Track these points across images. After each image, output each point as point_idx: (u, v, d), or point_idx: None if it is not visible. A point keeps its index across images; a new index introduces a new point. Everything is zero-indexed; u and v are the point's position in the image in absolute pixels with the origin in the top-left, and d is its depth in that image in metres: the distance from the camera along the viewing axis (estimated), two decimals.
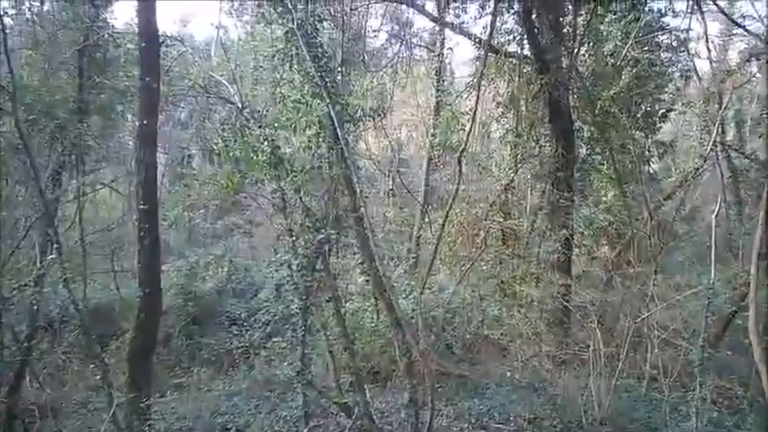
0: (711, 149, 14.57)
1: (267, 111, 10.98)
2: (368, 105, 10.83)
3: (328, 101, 8.86)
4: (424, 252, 15.82)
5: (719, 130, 15.87)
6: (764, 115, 16.84)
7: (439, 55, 15.98)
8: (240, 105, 10.09)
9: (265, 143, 9.32)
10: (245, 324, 13.43)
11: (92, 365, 9.19)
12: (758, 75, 18.84)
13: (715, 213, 8.26)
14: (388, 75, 19.70)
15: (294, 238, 9.15)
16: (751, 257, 9.68)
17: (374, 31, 20.33)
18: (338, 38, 11.93)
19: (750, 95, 20.84)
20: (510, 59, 13.10)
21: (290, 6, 9.32)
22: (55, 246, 8.15)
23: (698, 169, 14.99)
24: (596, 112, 12.90)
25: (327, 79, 9.19)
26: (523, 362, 11.67)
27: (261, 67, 12.88)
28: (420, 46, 18.19)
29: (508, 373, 10.95)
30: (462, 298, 13.16)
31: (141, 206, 8.68)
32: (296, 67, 9.47)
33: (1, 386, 11.18)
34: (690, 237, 16.86)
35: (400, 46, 18.79)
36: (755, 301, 6.60)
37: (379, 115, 10.75)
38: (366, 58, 15.99)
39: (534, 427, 9.11)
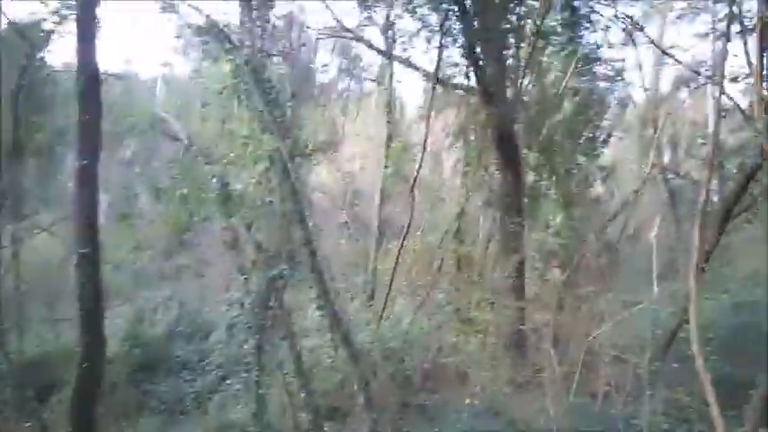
0: (649, 172, 15.33)
1: (216, 147, 10.84)
2: (319, 139, 10.86)
3: (278, 136, 8.85)
4: (380, 283, 15.75)
5: (656, 153, 16.78)
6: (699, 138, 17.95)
7: (388, 88, 16.25)
8: (187, 142, 9.94)
9: (214, 180, 9.18)
10: (196, 368, 12.90)
11: (27, 423, 8.58)
12: (688, 100, 20.15)
13: (654, 234, 8.61)
14: (339, 108, 19.94)
15: (246, 275, 8.96)
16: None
17: (324, 65, 20.64)
18: (287, 73, 11.96)
19: (682, 120, 22.12)
20: (457, 91, 13.46)
21: (237, 43, 9.35)
22: None
23: (637, 191, 15.69)
24: (541, 139, 13.35)
25: (277, 114, 9.21)
26: (482, 387, 11.70)
27: (208, 103, 12.76)
28: (370, 80, 18.48)
29: (467, 400, 10.91)
30: (420, 327, 13.17)
31: (80, 250, 8.28)
32: (244, 102, 9.46)
33: None
34: (634, 256, 17.51)
35: (350, 80, 19.11)
36: (695, 313, 6.84)
37: (330, 148, 10.77)
38: (316, 92, 16.08)
39: None
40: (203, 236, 15.14)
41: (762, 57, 6.41)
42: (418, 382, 12.15)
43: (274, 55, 10.26)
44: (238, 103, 9.61)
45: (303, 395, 8.99)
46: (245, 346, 8.70)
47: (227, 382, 11.25)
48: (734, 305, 15.55)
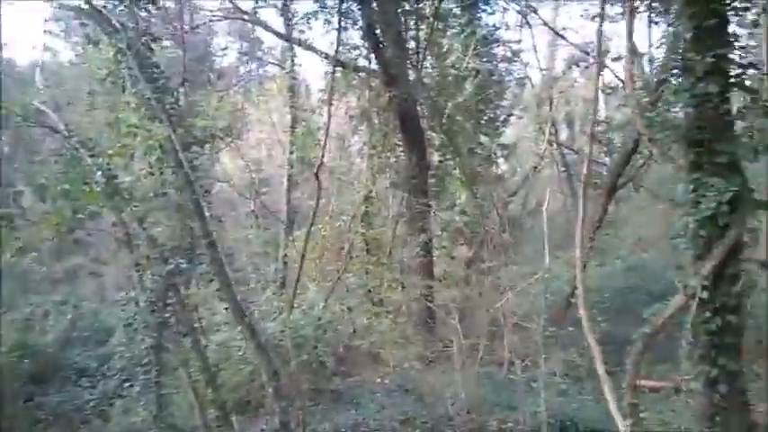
0: (545, 149, 16.17)
1: (102, 138, 10.11)
2: (219, 126, 10.41)
3: (168, 124, 8.39)
4: (291, 272, 15.53)
5: (551, 130, 17.70)
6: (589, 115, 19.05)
7: (290, 72, 15.89)
8: (66, 133, 9.19)
9: (99, 173, 8.59)
10: (96, 374, 12.12)
11: None
12: (580, 80, 21.37)
13: (545, 207, 9.12)
14: (241, 93, 19.27)
15: (141, 272, 8.50)
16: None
17: (222, 49, 19.84)
18: (178, 56, 11.35)
19: (576, 99, 23.45)
20: (359, 74, 13.39)
21: (119, 25, 8.71)
22: None
23: (536, 167, 16.51)
24: (443, 120, 13.62)
25: (166, 101, 8.71)
26: (395, 366, 11.97)
27: (95, 91, 11.85)
28: (271, 63, 17.97)
29: (378, 380, 11.09)
30: (333, 312, 13.19)
31: None
32: (130, 89, 8.88)
33: None
34: (536, 229, 18.47)
35: (248, 63, 18.48)
36: (582, 279, 7.33)
37: (229, 135, 10.37)
38: (213, 76, 15.40)
39: (407, 426, 9.31)
40: (99, 234, 14.19)
41: (632, 36, 6.86)
42: (333, 367, 12.17)
43: (162, 38, 9.64)
44: (123, 90, 8.99)
45: (209, 391, 8.71)
46: (142, 347, 8.26)
47: (129, 385, 10.72)
48: (625, 269, 16.92)
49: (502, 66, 18.86)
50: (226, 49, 19.90)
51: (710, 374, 5.59)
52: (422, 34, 14.00)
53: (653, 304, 10.96)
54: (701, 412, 5.74)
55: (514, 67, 19.02)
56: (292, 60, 15.39)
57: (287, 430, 8.06)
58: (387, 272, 13.26)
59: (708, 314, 5.55)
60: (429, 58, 14.58)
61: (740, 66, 5.51)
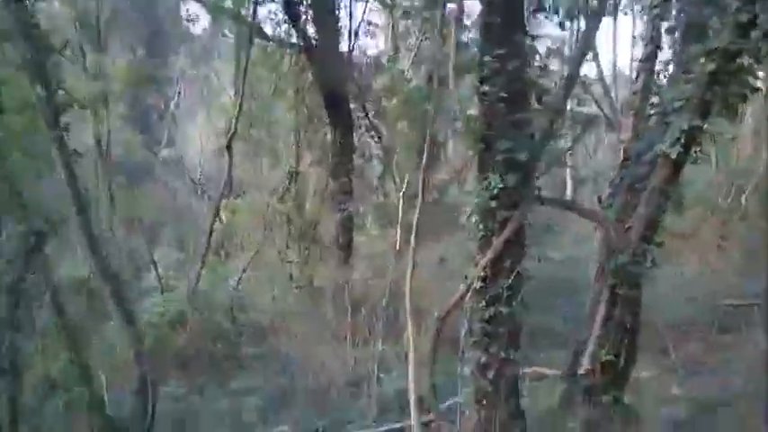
0: None
1: None
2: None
3: (39, 83, 8.40)
4: (227, 240, 15.66)
5: None
6: None
7: (236, 41, 15.83)
8: None
9: None
10: None
11: None
12: None
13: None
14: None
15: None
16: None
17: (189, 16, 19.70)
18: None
19: None
20: (284, 48, 13.23)
21: None
22: None
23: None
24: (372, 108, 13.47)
25: (45, 60, 8.68)
26: (301, 340, 12.12)
27: None
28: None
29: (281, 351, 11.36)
30: (256, 284, 13.40)
31: None
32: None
33: None
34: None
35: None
36: (410, 281, 7.37)
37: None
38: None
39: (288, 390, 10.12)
40: None
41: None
42: (244, 336, 12.41)
43: None
44: None
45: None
46: None
47: None
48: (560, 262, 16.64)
49: None
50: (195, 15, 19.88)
51: (481, 360, 5.69)
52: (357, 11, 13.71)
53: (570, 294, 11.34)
54: (473, 396, 5.82)
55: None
56: (236, 30, 15.22)
57: (144, 393, 8.30)
58: (308, 247, 13.33)
59: (482, 304, 5.61)
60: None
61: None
